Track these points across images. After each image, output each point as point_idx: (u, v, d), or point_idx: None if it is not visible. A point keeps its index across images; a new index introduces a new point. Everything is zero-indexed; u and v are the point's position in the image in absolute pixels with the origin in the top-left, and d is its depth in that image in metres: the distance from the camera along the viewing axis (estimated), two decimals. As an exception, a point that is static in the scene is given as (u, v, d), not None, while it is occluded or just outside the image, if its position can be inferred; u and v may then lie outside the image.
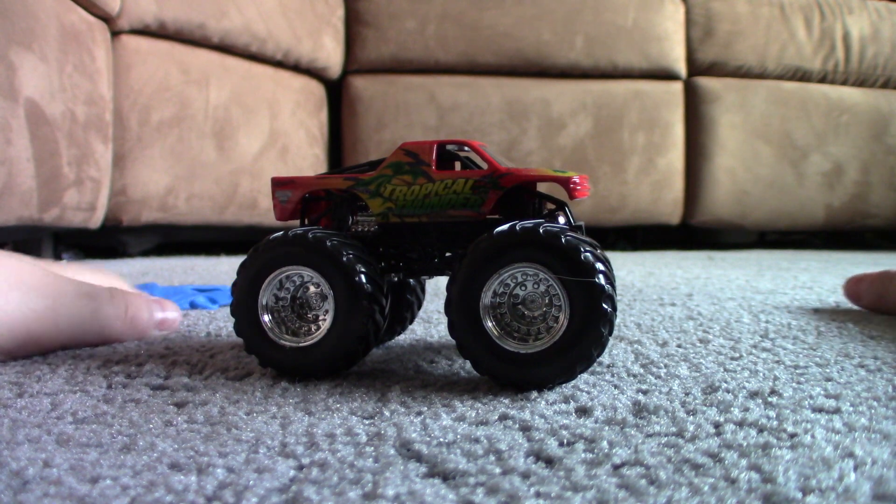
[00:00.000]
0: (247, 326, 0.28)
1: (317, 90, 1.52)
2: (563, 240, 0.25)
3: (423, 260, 0.30)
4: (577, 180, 0.29)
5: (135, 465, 0.18)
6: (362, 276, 0.27)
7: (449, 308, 0.26)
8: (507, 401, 0.24)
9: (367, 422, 0.22)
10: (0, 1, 0.83)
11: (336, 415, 0.23)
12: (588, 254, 0.25)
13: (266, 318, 0.28)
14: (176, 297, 0.49)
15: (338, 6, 1.56)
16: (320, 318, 0.28)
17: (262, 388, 0.26)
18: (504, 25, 1.59)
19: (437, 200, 0.29)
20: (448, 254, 0.30)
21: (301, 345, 0.28)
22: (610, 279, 0.26)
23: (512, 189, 0.29)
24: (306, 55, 1.44)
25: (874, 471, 0.18)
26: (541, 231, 0.25)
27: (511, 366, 0.26)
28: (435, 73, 1.60)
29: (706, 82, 1.68)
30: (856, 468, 0.18)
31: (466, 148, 0.30)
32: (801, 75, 1.73)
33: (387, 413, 0.23)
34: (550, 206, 0.30)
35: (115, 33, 1.12)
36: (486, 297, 0.26)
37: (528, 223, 0.26)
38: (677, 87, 1.65)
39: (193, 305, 0.50)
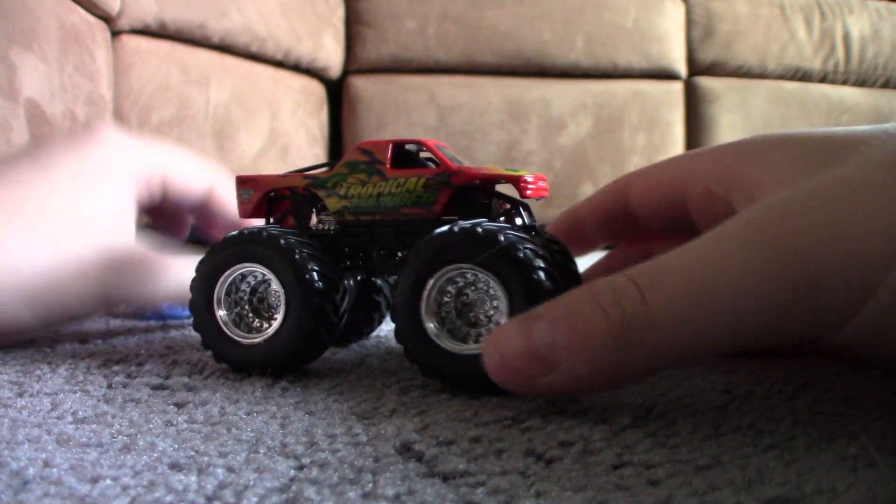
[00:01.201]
0: (203, 322, 0.29)
1: (317, 90, 1.52)
2: (501, 237, 0.24)
3: (381, 259, 0.30)
4: (530, 179, 0.28)
5: (135, 464, 0.18)
6: (314, 274, 0.28)
7: (393, 313, 0.26)
8: (506, 401, 0.24)
9: (366, 422, 0.22)
10: (0, 1, 0.83)
11: (336, 415, 0.23)
12: (527, 251, 0.24)
13: (221, 313, 0.29)
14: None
15: (338, 6, 1.56)
16: (275, 315, 0.29)
17: (262, 388, 0.26)
18: (504, 25, 1.59)
19: (391, 199, 0.29)
20: (401, 253, 0.30)
21: (254, 341, 0.28)
22: (553, 276, 0.24)
23: (466, 188, 0.28)
24: (306, 55, 1.44)
25: None
26: (479, 230, 0.25)
27: (455, 366, 0.25)
28: (435, 73, 1.60)
29: (706, 82, 1.68)
30: None
31: (424, 148, 0.30)
32: (802, 75, 1.73)
33: (386, 413, 0.23)
34: (505, 205, 0.29)
35: (116, 33, 1.12)
36: (429, 298, 0.26)
37: (468, 223, 0.26)
38: (677, 87, 1.65)
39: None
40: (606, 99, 1.60)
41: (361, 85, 1.57)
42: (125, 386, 0.27)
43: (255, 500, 0.16)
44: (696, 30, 1.71)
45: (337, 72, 1.56)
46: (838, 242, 0.18)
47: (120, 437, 0.21)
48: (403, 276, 0.26)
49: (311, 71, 1.49)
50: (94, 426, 0.22)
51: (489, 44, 1.59)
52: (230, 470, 0.18)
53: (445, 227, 0.26)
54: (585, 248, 0.34)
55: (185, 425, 0.22)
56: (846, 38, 1.76)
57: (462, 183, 0.28)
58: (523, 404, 0.24)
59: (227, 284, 0.29)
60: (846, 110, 1.71)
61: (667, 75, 1.65)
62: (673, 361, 0.21)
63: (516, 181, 0.28)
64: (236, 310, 0.29)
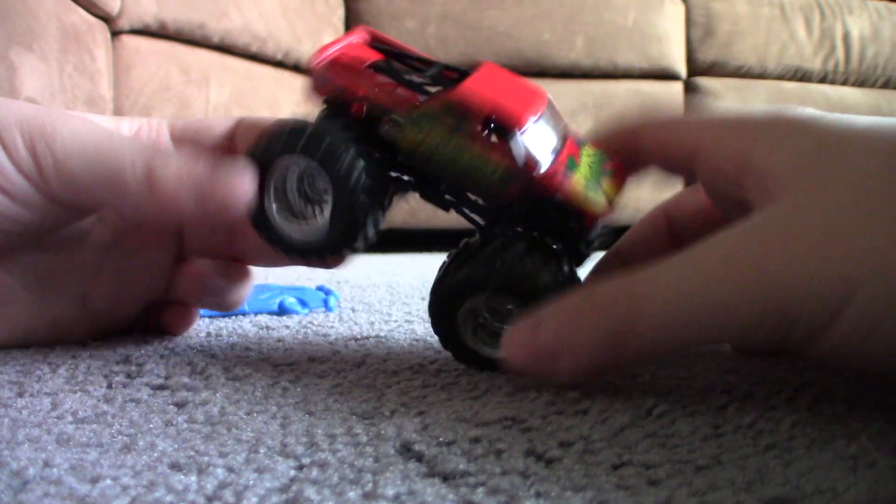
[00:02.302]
0: (256, 209, 0.29)
1: (317, 90, 1.52)
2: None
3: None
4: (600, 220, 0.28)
5: (135, 464, 0.18)
6: (363, 173, 0.27)
7: None
8: (507, 401, 0.24)
9: (366, 422, 0.22)
10: (0, 1, 0.83)
11: (336, 415, 0.23)
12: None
13: (272, 203, 0.29)
14: (263, 295, 0.46)
15: (338, 6, 1.56)
16: (324, 203, 0.29)
17: (262, 387, 0.26)
18: (504, 25, 1.59)
19: (464, 162, 0.27)
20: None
21: (302, 227, 0.29)
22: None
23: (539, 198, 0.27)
24: (307, 55, 1.44)
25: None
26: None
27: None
28: (435, 73, 1.59)
29: (706, 82, 1.68)
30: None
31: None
32: (801, 75, 1.73)
33: (387, 413, 0.23)
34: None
35: (116, 33, 1.12)
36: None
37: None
38: (677, 88, 1.65)
39: (282, 308, 0.46)
40: (606, 99, 1.60)
41: (361, 85, 1.57)
42: (125, 386, 0.27)
43: (255, 500, 0.16)
44: (696, 30, 1.71)
45: (337, 72, 1.55)
46: (808, 269, 0.20)
47: (120, 437, 0.21)
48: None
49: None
50: (94, 426, 0.22)
51: (489, 44, 1.60)
52: (230, 470, 0.18)
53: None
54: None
55: (185, 425, 0.22)
56: (846, 38, 1.76)
57: (538, 195, 0.26)
58: (523, 404, 0.24)
59: (278, 173, 0.29)
60: (846, 110, 1.71)
61: (667, 75, 1.66)
62: (659, 357, 0.25)
63: (591, 218, 0.27)
64: (286, 197, 0.29)
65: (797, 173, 0.22)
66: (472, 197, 0.29)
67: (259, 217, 0.29)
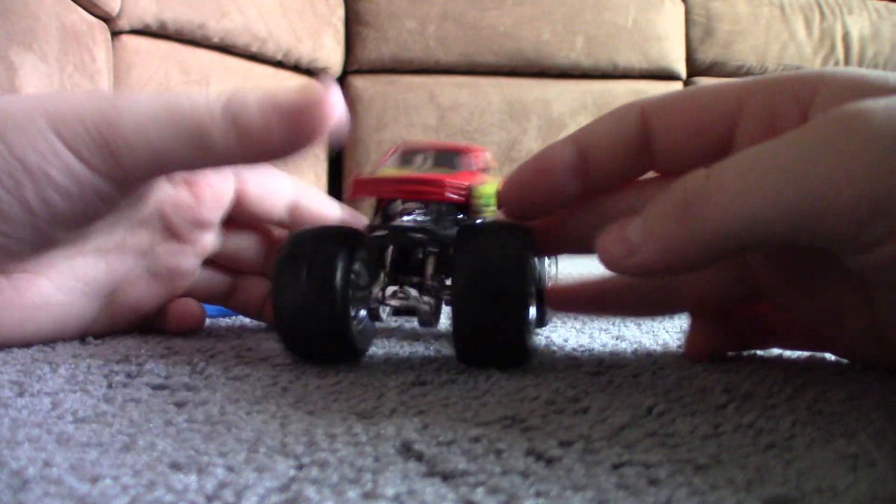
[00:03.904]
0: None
1: (317, 90, 1.52)
2: None
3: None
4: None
5: (135, 464, 0.18)
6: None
7: None
8: (506, 400, 0.24)
9: (366, 421, 0.22)
10: (0, 1, 0.83)
11: (336, 414, 0.23)
12: None
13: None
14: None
15: (338, 6, 1.56)
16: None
17: (262, 387, 0.26)
18: (504, 25, 1.59)
19: None
20: None
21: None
22: None
23: None
24: (307, 55, 1.44)
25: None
26: None
27: None
28: (435, 73, 1.60)
29: (706, 82, 1.67)
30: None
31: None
32: (802, 75, 1.73)
33: (386, 412, 0.23)
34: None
35: (116, 33, 1.12)
36: None
37: None
38: (677, 87, 1.65)
39: None
40: (606, 99, 1.60)
41: (361, 85, 1.57)
42: (125, 386, 0.27)
43: (254, 499, 0.16)
44: (696, 30, 1.71)
45: (337, 72, 1.56)
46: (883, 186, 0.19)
47: (120, 436, 0.21)
48: None
49: (311, 71, 1.49)
50: (94, 426, 0.22)
51: (489, 44, 1.60)
52: (230, 469, 0.18)
53: None
54: (593, 189, 0.28)
55: (185, 425, 0.22)
56: (846, 38, 1.76)
57: None
58: (523, 404, 0.24)
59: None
60: (846, 110, 1.71)
61: (667, 75, 1.66)
62: (728, 241, 0.22)
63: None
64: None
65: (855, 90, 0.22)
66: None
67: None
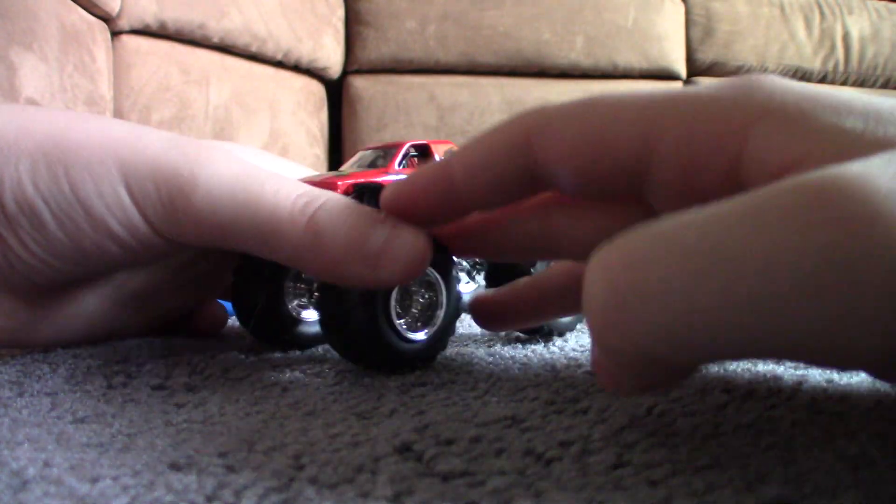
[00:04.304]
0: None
1: (317, 90, 1.52)
2: None
3: None
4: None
5: (135, 464, 0.18)
6: None
7: None
8: (506, 400, 0.24)
9: (366, 421, 0.22)
10: (0, 1, 0.83)
11: (336, 414, 0.23)
12: None
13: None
14: None
15: (338, 6, 1.56)
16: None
17: (261, 387, 0.26)
18: (504, 25, 1.59)
19: None
20: None
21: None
22: None
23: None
24: (306, 55, 1.44)
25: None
26: None
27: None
28: (435, 73, 1.60)
29: (706, 82, 1.67)
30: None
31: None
32: (801, 75, 1.73)
33: (385, 412, 0.23)
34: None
35: (115, 33, 1.12)
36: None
37: None
38: (677, 88, 1.65)
39: None
40: (606, 99, 1.60)
41: (361, 85, 1.57)
42: (125, 386, 0.27)
43: (254, 499, 0.16)
44: (696, 30, 1.71)
45: (337, 72, 1.56)
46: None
47: (120, 436, 0.21)
48: None
49: (311, 71, 1.49)
50: (94, 426, 0.22)
51: (489, 44, 1.60)
52: (229, 469, 0.18)
53: None
54: (457, 215, 0.25)
55: (184, 425, 0.22)
56: (846, 38, 1.76)
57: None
58: (523, 404, 0.24)
59: None
60: (846, 110, 1.71)
61: (667, 75, 1.66)
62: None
63: None
64: None
65: (858, 150, 0.17)
66: None
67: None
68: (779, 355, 0.14)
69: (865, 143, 0.15)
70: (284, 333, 0.33)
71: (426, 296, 0.29)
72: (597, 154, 0.20)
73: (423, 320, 0.29)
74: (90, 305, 0.32)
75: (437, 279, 0.28)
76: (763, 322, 0.12)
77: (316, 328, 0.32)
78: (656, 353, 0.14)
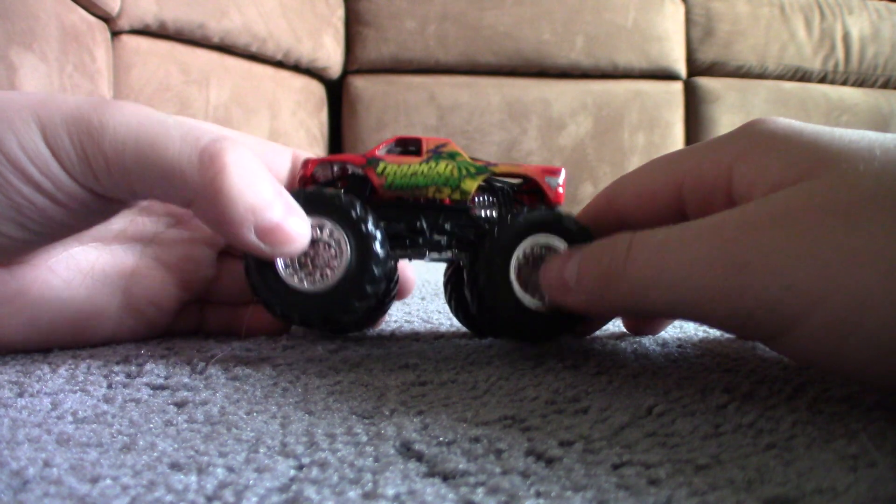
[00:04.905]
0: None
1: (317, 90, 1.52)
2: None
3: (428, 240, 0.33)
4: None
5: (135, 464, 0.18)
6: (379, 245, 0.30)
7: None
8: (506, 400, 0.24)
9: (366, 421, 0.22)
10: (0, 1, 0.83)
11: (336, 414, 0.23)
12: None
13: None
14: None
15: (338, 6, 1.56)
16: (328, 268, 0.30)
17: (262, 387, 0.26)
18: (504, 25, 1.59)
19: (423, 179, 0.32)
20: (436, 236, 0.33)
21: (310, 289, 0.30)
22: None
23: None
24: (306, 55, 1.44)
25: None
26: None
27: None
28: (435, 73, 1.59)
29: (706, 82, 1.68)
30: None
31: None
32: (802, 75, 1.73)
33: (386, 412, 0.23)
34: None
35: (115, 33, 1.12)
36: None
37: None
38: (677, 88, 1.65)
39: None
40: (606, 99, 1.60)
41: (361, 85, 1.57)
42: (125, 386, 0.27)
43: (254, 499, 0.16)
44: (696, 30, 1.71)
45: (337, 72, 1.56)
46: (773, 273, 0.21)
47: (120, 436, 0.21)
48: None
49: (311, 71, 1.49)
50: (94, 426, 0.22)
51: (489, 44, 1.59)
52: (230, 470, 0.18)
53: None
54: None
55: (185, 425, 0.22)
56: (846, 38, 1.76)
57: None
58: (523, 404, 0.24)
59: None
60: (846, 110, 1.71)
61: (666, 75, 1.66)
62: (640, 310, 0.26)
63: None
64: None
65: (784, 177, 0.23)
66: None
67: (271, 277, 0.30)
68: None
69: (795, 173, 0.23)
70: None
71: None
72: (653, 201, 0.29)
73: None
74: (63, 291, 0.32)
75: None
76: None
77: None
78: (647, 296, 0.24)
